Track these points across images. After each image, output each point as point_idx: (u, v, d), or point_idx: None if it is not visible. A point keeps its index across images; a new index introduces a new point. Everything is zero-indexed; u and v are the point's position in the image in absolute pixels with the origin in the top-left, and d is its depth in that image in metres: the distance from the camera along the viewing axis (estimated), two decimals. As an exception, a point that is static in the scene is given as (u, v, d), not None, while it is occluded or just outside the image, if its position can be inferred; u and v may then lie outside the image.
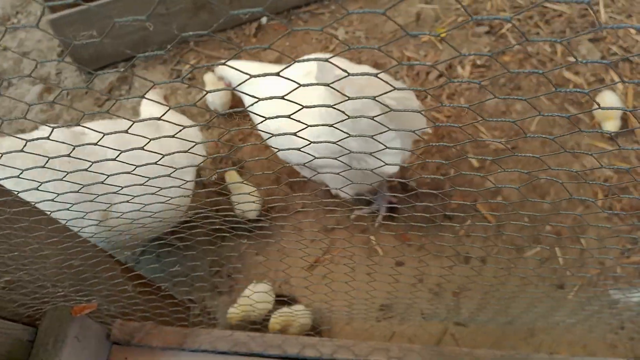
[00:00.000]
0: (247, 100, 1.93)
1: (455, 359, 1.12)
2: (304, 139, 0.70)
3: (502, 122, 2.29)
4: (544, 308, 1.87)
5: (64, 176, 0.66)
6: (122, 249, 1.76)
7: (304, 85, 0.56)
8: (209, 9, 2.58)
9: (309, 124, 0.66)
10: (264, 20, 2.67)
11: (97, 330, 1.19)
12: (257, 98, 0.57)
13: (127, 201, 0.81)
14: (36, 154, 0.60)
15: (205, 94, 0.84)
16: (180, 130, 0.64)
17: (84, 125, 0.61)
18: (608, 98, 2.19)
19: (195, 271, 2.09)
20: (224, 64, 0.59)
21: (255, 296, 1.72)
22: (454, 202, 2.05)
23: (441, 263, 2.00)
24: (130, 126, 0.56)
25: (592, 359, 1.21)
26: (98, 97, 2.60)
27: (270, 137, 0.70)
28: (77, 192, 0.71)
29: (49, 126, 0.79)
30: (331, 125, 0.64)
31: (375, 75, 0.56)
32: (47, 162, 0.61)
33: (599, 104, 0.57)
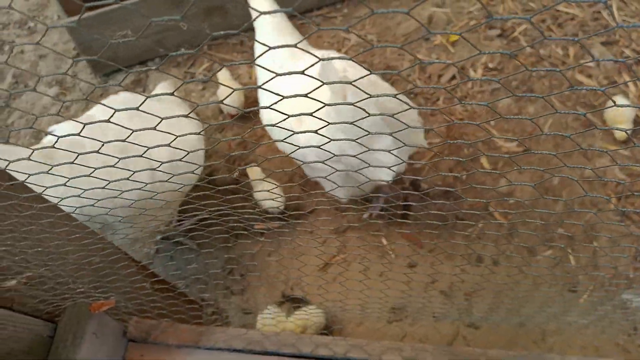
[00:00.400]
0: (263, 100, 1.95)
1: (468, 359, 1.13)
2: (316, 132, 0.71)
3: (515, 125, 2.29)
4: (555, 310, 1.86)
5: (90, 172, 0.67)
6: (136, 243, 1.78)
7: (322, 83, 0.57)
8: (221, 13, 2.61)
9: (310, 125, 0.68)
10: (276, 23, 2.69)
11: (115, 328, 1.21)
12: (274, 72, 0.57)
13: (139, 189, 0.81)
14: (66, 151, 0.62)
15: (222, 99, 0.86)
16: (189, 112, 0.65)
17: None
18: (620, 102, 2.19)
19: (208, 272, 2.12)
20: (232, 64, 0.61)
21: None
22: (470, 201, 2.06)
23: (453, 264, 2.01)
24: (142, 103, 0.57)
25: (606, 360, 1.21)
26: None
27: (274, 127, 0.72)
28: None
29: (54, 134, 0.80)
30: (328, 123, 0.65)
31: (394, 95, 0.58)
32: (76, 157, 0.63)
33: (614, 102, 0.58)
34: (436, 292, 1.98)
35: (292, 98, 0.56)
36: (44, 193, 0.64)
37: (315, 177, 1.76)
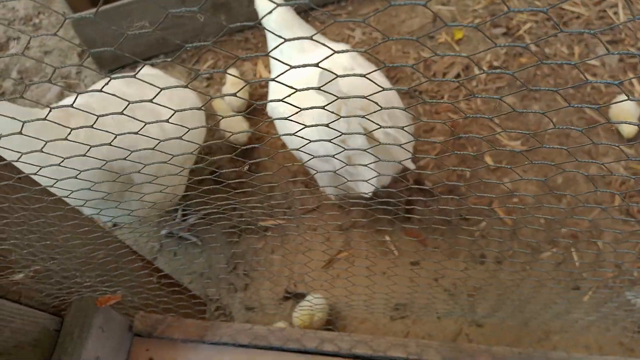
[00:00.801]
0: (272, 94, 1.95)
1: (473, 356, 1.13)
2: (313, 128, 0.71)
3: (520, 124, 2.29)
4: (559, 309, 1.87)
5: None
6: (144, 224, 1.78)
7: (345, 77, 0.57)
8: (226, 10, 2.61)
9: (307, 122, 0.69)
10: (281, 21, 2.69)
11: (121, 322, 1.22)
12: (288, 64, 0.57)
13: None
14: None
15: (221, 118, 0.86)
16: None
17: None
18: (624, 102, 2.18)
19: (212, 268, 2.12)
20: (238, 59, 0.61)
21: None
22: (474, 199, 2.06)
23: (457, 262, 2.01)
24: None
25: (610, 357, 1.21)
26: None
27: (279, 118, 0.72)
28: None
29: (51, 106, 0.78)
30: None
31: (405, 109, 0.58)
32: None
33: (628, 95, 0.58)
34: (440, 290, 1.98)
35: (296, 93, 0.57)
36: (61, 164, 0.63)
37: (313, 173, 1.78)
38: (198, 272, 2.13)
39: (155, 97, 0.56)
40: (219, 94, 2.51)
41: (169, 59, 0.54)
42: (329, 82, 0.54)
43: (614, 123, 2.20)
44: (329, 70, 0.54)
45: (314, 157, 0.81)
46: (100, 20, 2.39)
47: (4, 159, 0.88)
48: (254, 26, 2.72)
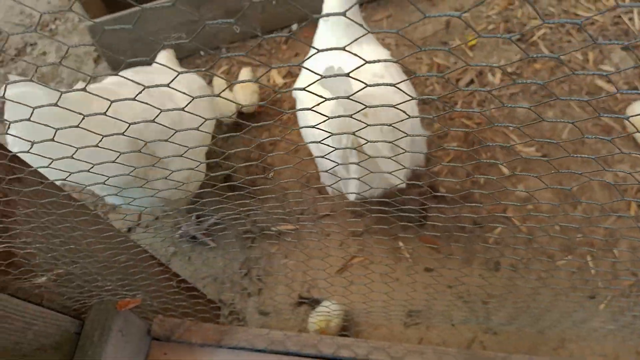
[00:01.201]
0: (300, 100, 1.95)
1: (491, 364, 1.13)
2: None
3: (534, 131, 2.28)
4: (575, 317, 1.85)
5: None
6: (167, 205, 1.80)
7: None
8: (241, 16, 2.63)
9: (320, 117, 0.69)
10: (294, 27, 2.71)
11: (139, 326, 1.23)
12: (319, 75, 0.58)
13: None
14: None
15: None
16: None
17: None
18: (639, 108, 2.17)
19: (226, 272, 2.13)
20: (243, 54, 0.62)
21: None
22: (488, 206, 2.05)
23: (471, 271, 2.00)
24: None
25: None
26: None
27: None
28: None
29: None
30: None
31: (416, 119, 0.58)
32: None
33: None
34: (454, 297, 1.97)
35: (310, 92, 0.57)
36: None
37: (330, 169, 1.78)
38: (212, 276, 2.14)
39: (171, 82, 0.56)
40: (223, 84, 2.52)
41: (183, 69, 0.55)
42: (332, 76, 0.54)
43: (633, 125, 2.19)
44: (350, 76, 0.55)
45: (318, 156, 0.81)
46: (133, 27, 2.43)
47: (31, 166, 0.90)
48: (266, 33, 2.73)
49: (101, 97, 0.54)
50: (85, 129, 0.61)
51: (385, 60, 0.53)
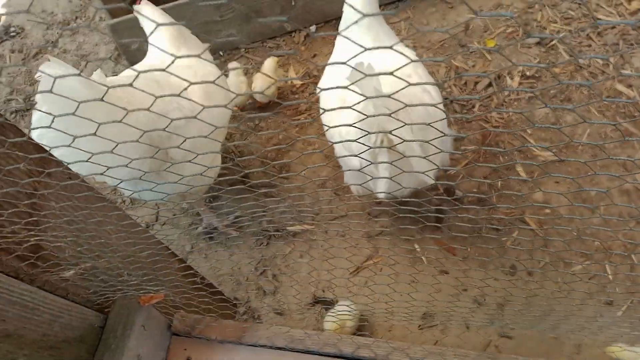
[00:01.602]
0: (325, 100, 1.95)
1: (511, 367, 1.12)
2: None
3: (552, 134, 2.27)
4: (591, 323, 1.83)
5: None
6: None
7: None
8: (259, 17, 2.65)
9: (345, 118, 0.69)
10: (312, 28, 2.72)
11: (161, 321, 1.24)
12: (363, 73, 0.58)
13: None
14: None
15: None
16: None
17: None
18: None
19: (241, 271, 2.14)
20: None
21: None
22: (504, 209, 2.04)
23: (486, 273, 2.00)
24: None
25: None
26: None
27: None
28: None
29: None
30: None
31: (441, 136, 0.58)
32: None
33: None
34: (469, 300, 1.97)
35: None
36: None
37: (361, 168, 1.76)
38: (228, 274, 2.15)
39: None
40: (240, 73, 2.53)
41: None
42: (360, 79, 0.55)
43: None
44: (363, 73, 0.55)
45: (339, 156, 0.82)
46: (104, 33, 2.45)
47: (60, 160, 0.92)
48: (285, 34, 2.75)
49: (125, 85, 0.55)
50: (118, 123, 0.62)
51: (414, 61, 0.53)
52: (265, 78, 2.40)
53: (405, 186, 1.53)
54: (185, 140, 0.64)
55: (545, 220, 2.08)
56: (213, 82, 0.54)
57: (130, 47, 2.60)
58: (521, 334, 1.89)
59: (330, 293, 2.05)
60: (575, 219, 2.03)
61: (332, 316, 1.79)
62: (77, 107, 0.54)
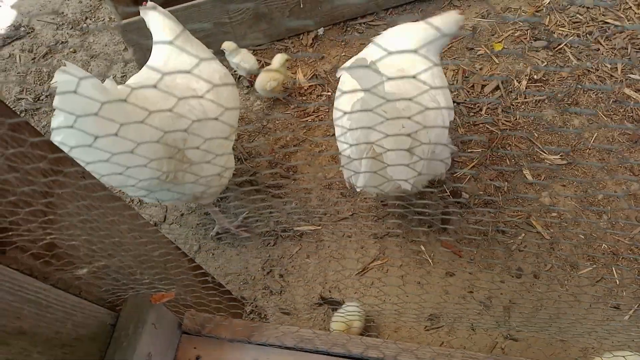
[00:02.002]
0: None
1: (519, 369, 1.13)
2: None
3: (559, 138, 2.27)
4: (597, 327, 1.84)
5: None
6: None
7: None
8: (268, 19, 2.66)
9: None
10: (320, 30, 2.73)
11: (171, 319, 1.25)
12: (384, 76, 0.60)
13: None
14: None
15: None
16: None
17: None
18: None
19: (249, 270, 2.16)
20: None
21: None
22: (511, 212, 2.05)
23: (493, 275, 2.00)
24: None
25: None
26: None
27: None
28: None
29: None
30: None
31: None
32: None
33: None
34: (475, 302, 1.97)
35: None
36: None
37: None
38: (234, 274, 2.17)
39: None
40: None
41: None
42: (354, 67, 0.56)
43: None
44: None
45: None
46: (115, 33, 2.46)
47: (75, 160, 0.93)
48: (293, 36, 2.75)
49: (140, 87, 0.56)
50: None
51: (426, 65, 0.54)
52: (269, 74, 2.42)
53: (380, 185, 1.54)
54: (204, 141, 0.65)
55: (552, 224, 2.08)
56: (229, 84, 0.55)
57: (140, 47, 2.62)
58: (527, 336, 1.90)
59: (337, 293, 2.06)
60: (581, 222, 2.03)
61: (340, 316, 1.80)
62: (100, 109, 0.56)
